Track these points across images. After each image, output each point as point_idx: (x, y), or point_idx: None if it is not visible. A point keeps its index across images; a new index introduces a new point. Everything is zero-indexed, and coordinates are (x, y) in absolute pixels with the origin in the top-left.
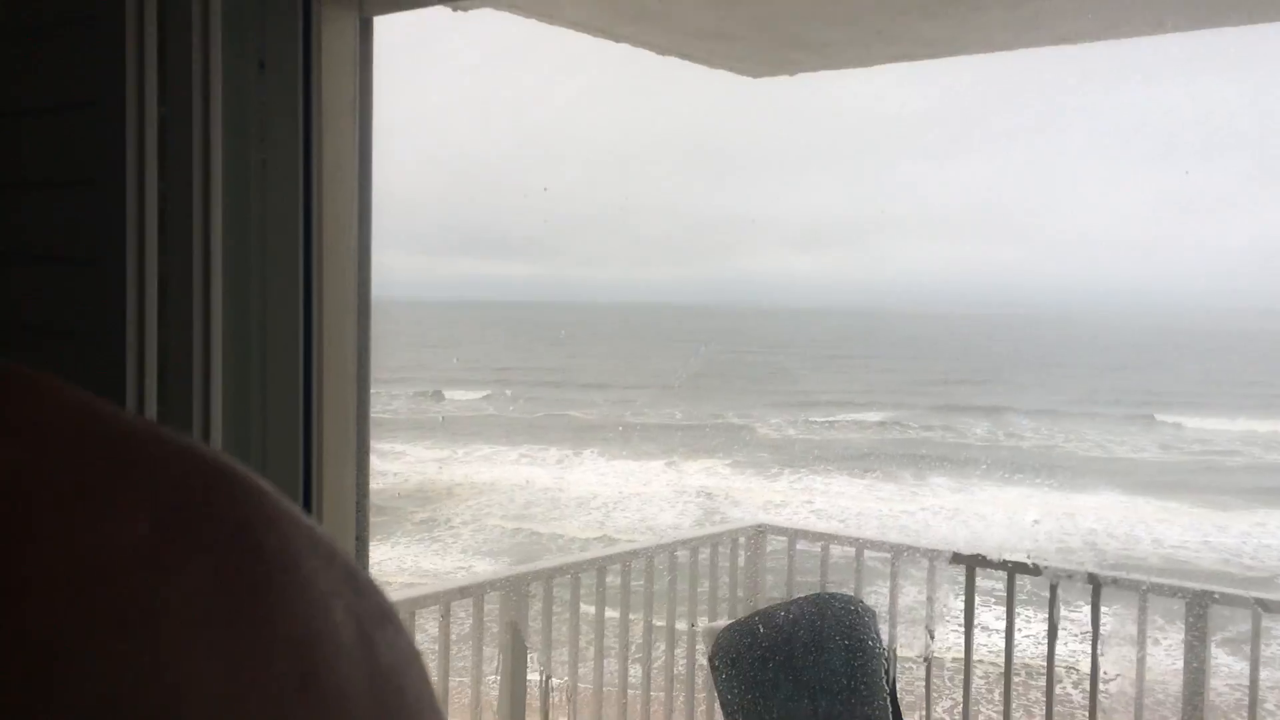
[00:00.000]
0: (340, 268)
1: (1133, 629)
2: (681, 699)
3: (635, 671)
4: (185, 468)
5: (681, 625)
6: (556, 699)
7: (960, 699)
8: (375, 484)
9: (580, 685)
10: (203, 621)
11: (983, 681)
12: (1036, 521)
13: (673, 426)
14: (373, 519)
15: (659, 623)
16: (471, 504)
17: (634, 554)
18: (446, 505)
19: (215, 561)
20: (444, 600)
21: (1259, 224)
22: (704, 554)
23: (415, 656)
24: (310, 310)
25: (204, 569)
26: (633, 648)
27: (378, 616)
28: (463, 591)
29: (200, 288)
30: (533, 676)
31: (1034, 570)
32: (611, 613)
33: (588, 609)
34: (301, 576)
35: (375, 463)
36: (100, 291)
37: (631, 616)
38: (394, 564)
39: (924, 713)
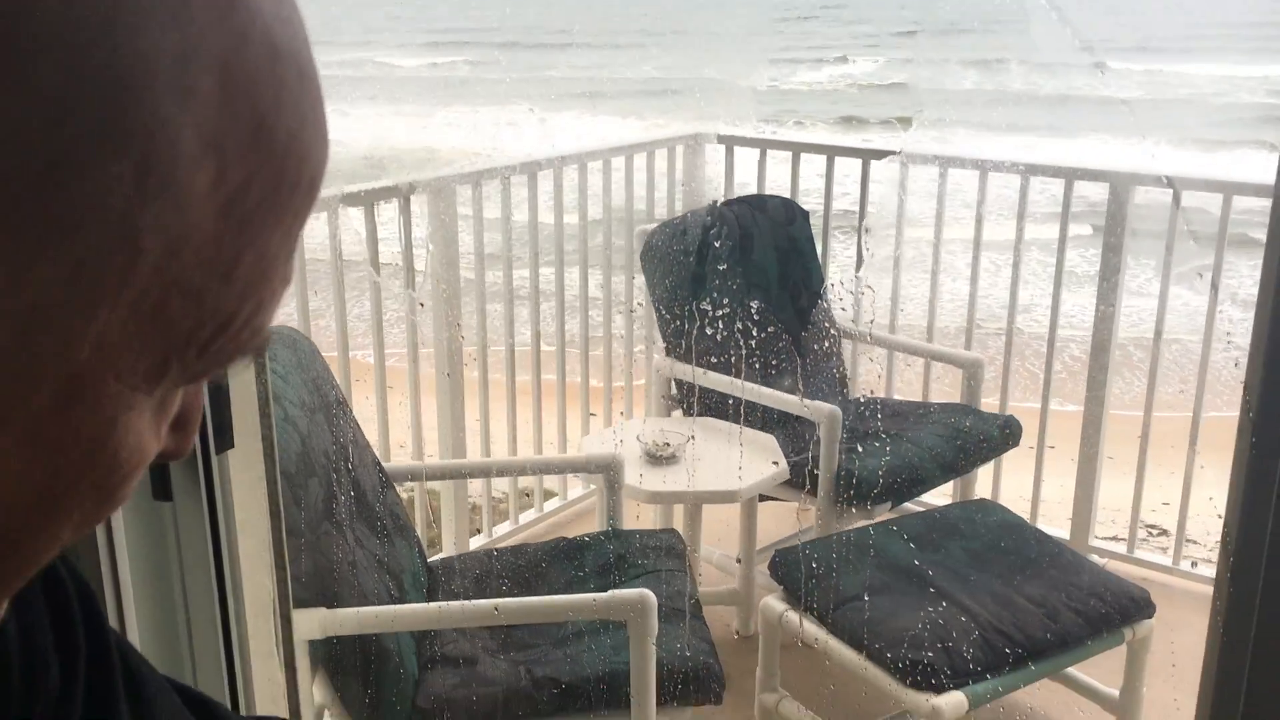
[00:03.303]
0: None
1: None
2: (620, 287)
3: (572, 273)
4: None
5: (619, 232)
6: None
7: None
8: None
9: (516, 288)
10: None
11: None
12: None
13: (653, 82)
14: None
15: (595, 219)
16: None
17: (565, 159)
18: (420, 172)
19: None
20: (367, 201)
21: None
22: (639, 161)
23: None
24: None
25: None
26: (569, 251)
27: None
28: (387, 191)
29: None
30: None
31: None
32: (545, 219)
33: (519, 216)
34: None
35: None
36: None
37: (567, 220)
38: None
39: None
